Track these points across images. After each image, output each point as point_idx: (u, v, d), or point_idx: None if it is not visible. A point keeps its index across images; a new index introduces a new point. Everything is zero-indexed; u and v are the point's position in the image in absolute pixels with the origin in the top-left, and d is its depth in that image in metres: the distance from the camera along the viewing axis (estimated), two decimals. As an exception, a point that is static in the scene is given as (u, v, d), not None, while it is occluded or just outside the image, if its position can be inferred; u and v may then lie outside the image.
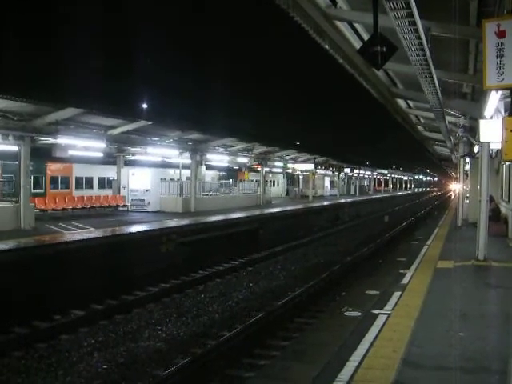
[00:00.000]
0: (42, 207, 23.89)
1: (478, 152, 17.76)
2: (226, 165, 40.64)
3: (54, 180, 31.02)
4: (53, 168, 30.82)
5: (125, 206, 29.29)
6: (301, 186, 61.73)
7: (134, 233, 19.63)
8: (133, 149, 27.84)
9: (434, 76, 12.24)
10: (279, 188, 60.20)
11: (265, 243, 26.29)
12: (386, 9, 7.82)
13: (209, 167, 40.42)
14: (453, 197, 77.22)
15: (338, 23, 12.58)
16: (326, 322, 11.00)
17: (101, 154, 27.64)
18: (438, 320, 8.86)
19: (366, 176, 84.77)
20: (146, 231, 20.17)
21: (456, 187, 56.22)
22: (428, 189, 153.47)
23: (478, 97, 15.94)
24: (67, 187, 31.82)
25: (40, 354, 11.17)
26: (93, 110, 21.42)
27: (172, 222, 23.08)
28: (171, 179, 34.10)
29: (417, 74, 12.02)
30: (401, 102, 23.15)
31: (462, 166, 29.42)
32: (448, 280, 12.19)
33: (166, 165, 36.42)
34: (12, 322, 12.84)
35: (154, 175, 31.25)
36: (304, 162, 48.34)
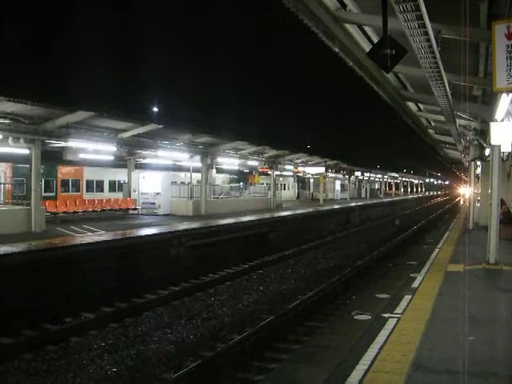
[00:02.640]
0: (53, 210, 23.96)
1: (489, 155, 17.67)
2: (236, 168, 40.64)
3: (64, 183, 31.15)
4: (63, 171, 30.95)
5: (135, 209, 29.35)
6: (311, 190, 61.66)
7: (145, 236, 19.66)
8: (143, 152, 27.87)
9: (445, 79, 12.21)
10: (290, 191, 60.13)
11: (275, 246, 26.29)
12: (396, 11, 7.80)
13: (219, 170, 40.49)
14: (462, 201, 76.58)
15: (348, 26, 12.58)
16: (335, 325, 10.97)
17: (111, 158, 27.71)
18: (448, 324, 8.81)
19: (377, 179, 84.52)
20: (156, 234, 20.19)
21: (466, 191, 55.94)
22: (439, 192, 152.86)
23: (488, 99, 15.88)
24: (78, 190, 31.95)
25: (50, 356, 11.21)
26: (104, 113, 21.48)
27: (182, 225, 23.10)
28: (182, 182, 34.13)
29: (427, 76, 12.00)
30: (411, 105, 23.10)
31: (472, 169, 29.27)
32: (458, 284, 12.12)
33: (176, 168, 36.50)
34: (22, 324, 12.91)
35: (164, 178, 31.27)
36: (314, 165, 48.29)
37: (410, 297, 10.91)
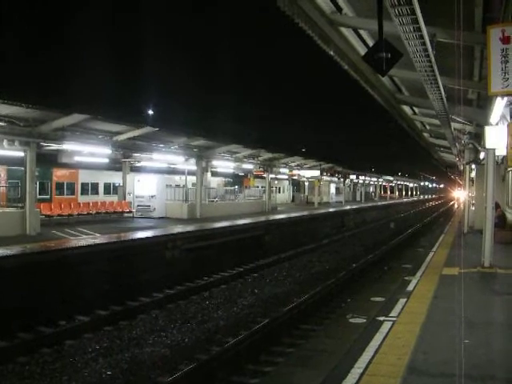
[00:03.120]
0: (48, 213, 23.92)
1: (484, 158, 17.69)
2: (231, 171, 40.65)
3: (59, 186, 31.07)
4: (58, 174, 30.89)
5: (130, 212, 29.28)
6: (306, 193, 61.69)
7: (139, 239, 19.63)
8: (139, 155, 27.87)
9: (440, 82, 12.23)
10: (285, 194, 60.17)
11: (270, 249, 26.28)
12: (391, 15, 7.81)
13: (214, 173, 40.47)
14: (456, 205, 76.39)
15: (343, 29, 12.59)
16: (331, 328, 10.99)
17: (106, 160, 27.70)
18: (443, 327, 8.81)
19: (372, 183, 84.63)
20: (150, 237, 20.17)
21: (461, 195, 55.97)
22: (434, 195, 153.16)
23: (483, 103, 15.91)
24: (73, 193, 31.88)
25: (44, 359, 11.18)
26: (99, 116, 21.48)
27: (177, 228, 23.08)
28: (177, 185, 34.10)
29: (422, 80, 12.02)
30: (406, 109, 23.14)
31: (467, 172, 29.33)
32: (453, 287, 12.12)
33: (171, 171, 36.48)
34: (16, 328, 12.87)
35: (159, 181, 31.26)
36: (310, 168, 48.31)
37: (405, 300, 10.90)
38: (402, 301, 10.83)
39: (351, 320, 10.16)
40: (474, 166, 26.98)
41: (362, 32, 13.04)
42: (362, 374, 6.67)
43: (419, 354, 7.41)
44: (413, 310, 10.01)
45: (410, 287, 12.38)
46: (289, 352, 11.17)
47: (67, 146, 21.22)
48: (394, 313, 9.85)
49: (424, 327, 8.77)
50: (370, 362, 7.12)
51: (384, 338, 8.21)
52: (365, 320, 9.84)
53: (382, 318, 9.44)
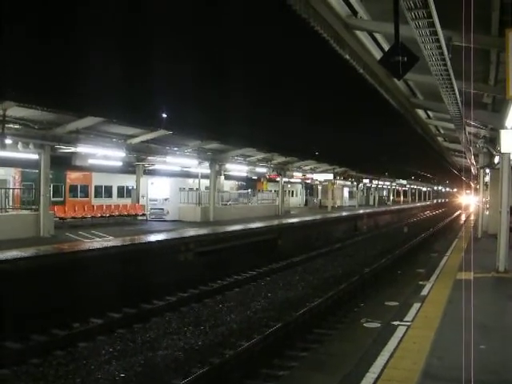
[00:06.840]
0: (62, 215, 24.01)
1: (499, 163, 17.58)
2: (244, 175, 40.63)
3: (73, 188, 31.14)
4: (72, 176, 30.95)
5: (144, 214, 29.34)
6: (319, 197, 61.55)
7: (153, 242, 19.66)
8: (152, 158, 27.90)
9: (455, 86, 12.17)
10: (298, 198, 60.06)
11: (283, 253, 26.23)
12: (407, 18, 7.79)
13: (227, 177, 40.45)
14: (470, 210, 75.70)
15: (359, 33, 12.57)
16: (345, 332, 10.97)
17: (120, 163, 27.74)
18: (458, 332, 8.71)
19: (385, 187, 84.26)
20: (164, 240, 20.18)
21: (474, 199, 55.58)
22: (447, 199, 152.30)
23: (498, 107, 15.82)
24: (86, 196, 31.94)
25: (58, 361, 11.21)
26: (113, 119, 21.52)
27: (190, 232, 23.10)
28: (190, 189, 34.11)
29: (437, 84, 11.97)
30: (420, 113, 23.07)
31: (481, 176, 29.17)
32: (468, 291, 12.02)
33: (185, 174, 36.49)
34: (30, 330, 12.91)
35: (173, 184, 31.31)
36: (323, 172, 48.26)
37: (419, 304, 10.86)
38: (417, 305, 10.79)
39: (365, 324, 10.11)
40: (488, 171, 26.83)
41: (377, 35, 13.02)
42: (376, 379, 6.64)
43: (434, 359, 7.37)
44: (427, 315, 9.96)
45: (425, 292, 12.33)
46: (303, 356, 11.14)
47: (81, 148, 21.25)
48: (408, 317, 9.81)
49: (439, 332, 8.72)
50: (384, 367, 7.09)
51: (399, 343, 8.17)
52: (379, 324, 9.79)
53: (396, 323, 9.41)
